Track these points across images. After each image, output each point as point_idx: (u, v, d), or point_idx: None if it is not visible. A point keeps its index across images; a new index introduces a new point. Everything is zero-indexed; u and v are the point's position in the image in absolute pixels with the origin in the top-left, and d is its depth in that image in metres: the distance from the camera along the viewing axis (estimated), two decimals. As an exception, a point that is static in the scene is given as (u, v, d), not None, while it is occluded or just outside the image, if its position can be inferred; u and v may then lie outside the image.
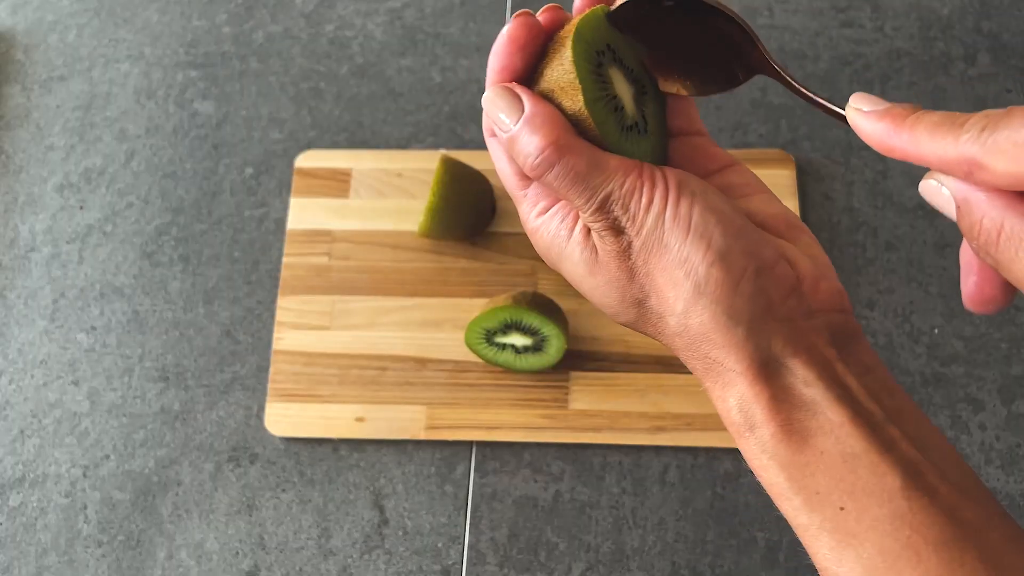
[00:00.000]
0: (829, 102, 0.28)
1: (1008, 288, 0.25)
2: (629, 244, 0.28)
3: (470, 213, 0.60)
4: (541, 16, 0.29)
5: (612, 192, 0.27)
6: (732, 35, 0.29)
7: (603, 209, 0.28)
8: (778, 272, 0.28)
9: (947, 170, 0.24)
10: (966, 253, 0.26)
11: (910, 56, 0.68)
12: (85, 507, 0.59)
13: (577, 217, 0.29)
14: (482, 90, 0.73)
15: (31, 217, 0.67)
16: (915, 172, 0.64)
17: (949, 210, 0.25)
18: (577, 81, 0.28)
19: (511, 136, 0.28)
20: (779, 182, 0.64)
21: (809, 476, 0.26)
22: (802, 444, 0.26)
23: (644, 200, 0.27)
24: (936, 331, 0.60)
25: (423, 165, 0.65)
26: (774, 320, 0.27)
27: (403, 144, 0.68)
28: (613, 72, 0.30)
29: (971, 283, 0.26)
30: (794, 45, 0.69)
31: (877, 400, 0.26)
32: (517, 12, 0.29)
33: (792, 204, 0.63)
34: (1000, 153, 0.22)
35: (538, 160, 0.28)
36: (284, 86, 0.70)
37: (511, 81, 0.30)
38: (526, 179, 0.30)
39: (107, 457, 0.60)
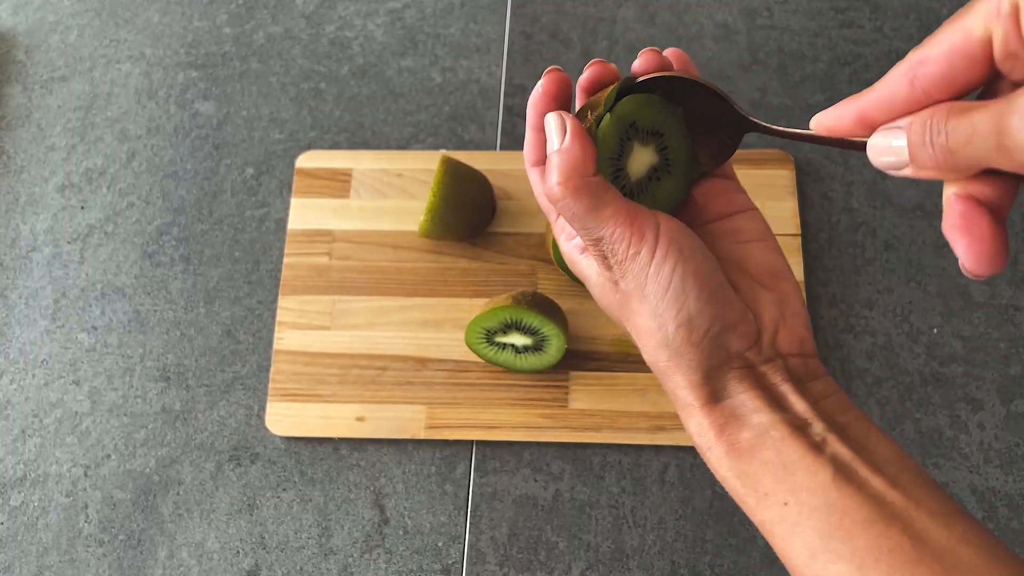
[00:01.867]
0: (800, 130, 0.32)
1: (996, 240, 0.27)
2: (616, 281, 0.33)
3: (470, 213, 0.60)
4: (588, 70, 0.35)
5: (603, 237, 0.32)
6: (718, 105, 0.34)
7: (596, 246, 0.32)
8: (740, 330, 0.32)
9: (893, 99, 0.27)
10: (947, 221, 0.28)
11: (909, 56, 0.68)
12: (86, 506, 0.59)
13: None
14: (482, 90, 0.74)
15: (32, 217, 0.67)
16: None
17: (901, 157, 0.27)
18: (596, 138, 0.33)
19: (549, 156, 0.33)
20: (778, 182, 0.64)
21: (757, 482, 0.31)
22: (749, 458, 0.32)
23: (632, 250, 0.31)
24: (935, 331, 0.60)
25: (423, 165, 0.66)
26: (729, 368, 0.32)
27: (403, 144, 0.68)
28: (635, 146, 0.34)
29: (961, 245, 0.27)
30: (793, 46, 0.69)
31: (823, 417, 0.31)
32: (548, 69, 0.35)
33: (791, 204, 0.63)
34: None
35: (551, 191, 0.32)
36: (285, 87, 0.70)
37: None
38: None
39: (108, 456, 0.60)
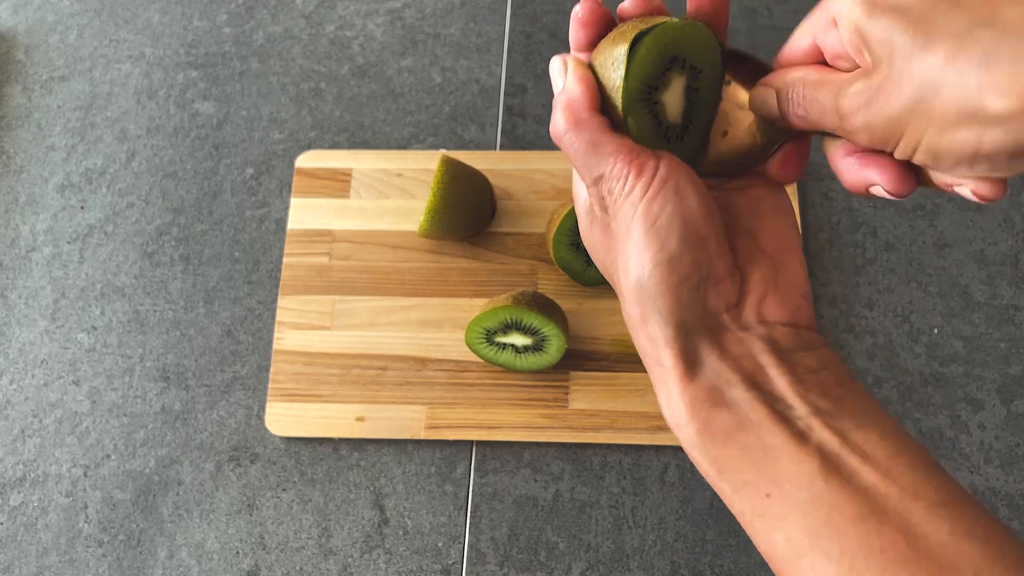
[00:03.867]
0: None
1: (899, 164, 0.29)
2: (608, 222, 0.32)
3: (470, 213, 0.60)
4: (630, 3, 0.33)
5: (603, 174, 0.31)
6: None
7: (596, 185, 0.31)
8: (722, 288, 0.31)
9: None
10: (850, 169, 0.30)
11: (909, 56, 0.68)
12: (86, 507, 0.59)
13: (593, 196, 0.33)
14: (482, 90, 0.74)
15: (32, 217, 0.67)
16: (914, 172, 0.64)
17: (774, 104, 0.31)
18: (621, 72, 0.31)
19: (555, 101, 0.33)
20: (779, 182, 0.64)
21: (735, 469, 0.29)
22: (725, 440, 0.29)
23: (627, 188, 0.30)
24: (935, 331, 0.60)
25: (423, 165, 0.65)
26: (705, 328, 0.30)
27: (403, 144, 0.68)
28: (672, 78, 0.32)
29: (876, 174, 0.29)
30: (794, 45, 0.69)
31: (806, 398, 0.29)
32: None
33: (792, 204, 0.63)
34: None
35: (556, 126, 0.32)
36: (285, 86, 0.70)
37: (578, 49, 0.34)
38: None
39: (108, 457, 0.60)
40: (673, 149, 0.33)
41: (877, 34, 0.26)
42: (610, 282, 0.33)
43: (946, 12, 0.24)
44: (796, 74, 0.31)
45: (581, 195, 0.34)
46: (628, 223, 0.30)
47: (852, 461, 0.28)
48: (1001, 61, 0.23)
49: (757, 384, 0.29)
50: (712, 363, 0.30)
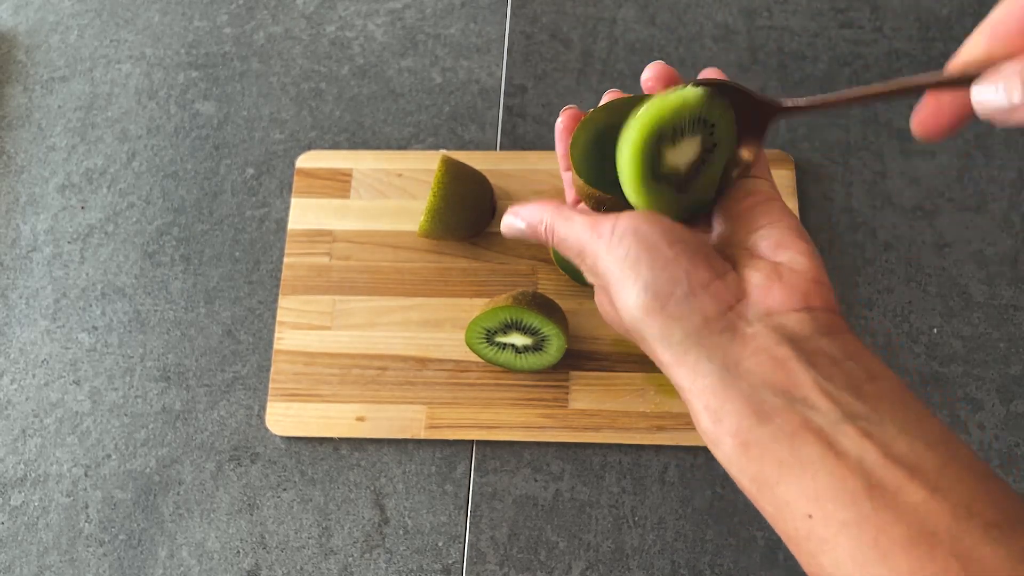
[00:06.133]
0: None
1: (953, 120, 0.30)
2: (604, 285, 0.33)
3: (470, 213, 0.60)
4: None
5: (581, 248, 0.33)
6: (741, 101, 0.35)
7: (582, 261, 0.33)
8: (713, 290, 0.30)
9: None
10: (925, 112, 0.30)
11: (909, 57, 0.68)
12: (87, 506, 0.59)
13: None
14: (482, 90, 0.74)
15: (33, 217, 0.67)
16: (913, 172, 0.64)
17: (1012, 97, 0.27)
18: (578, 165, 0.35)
19: (529, 230, 0.37)
20: (778, 182, 0.64)
21: (774, 487, 0.27)
22: (760, 456, 0.27)
23: (595, 248, 0.32)
24: (935, 331, 0.60)
25: (423, 165, 0.66)
26: (712, 334, 0.29)
27: (403, 144, 0.68)
28: (684, 140, 0.34)
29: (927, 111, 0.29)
30: (793, 46, 0.69)
31: (837, 397, 0.27)
32: (565, 108, 0.38)
33: (792, 204, 0.63)
34: None
35: (546, 239, 0.35)
36: (285, 87, 0.70)
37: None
38: None
39: (108, 456, 0.60)
40: (670, 197, 0.35)
41: None
42: (635, 341, 0.34)
43: None
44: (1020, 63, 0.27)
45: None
46: (608, 273, 0.32)
47: (897, 476, 0.25)
48: None
49: (782, 388, 0.28)
50: (731, 369, 0.29)
